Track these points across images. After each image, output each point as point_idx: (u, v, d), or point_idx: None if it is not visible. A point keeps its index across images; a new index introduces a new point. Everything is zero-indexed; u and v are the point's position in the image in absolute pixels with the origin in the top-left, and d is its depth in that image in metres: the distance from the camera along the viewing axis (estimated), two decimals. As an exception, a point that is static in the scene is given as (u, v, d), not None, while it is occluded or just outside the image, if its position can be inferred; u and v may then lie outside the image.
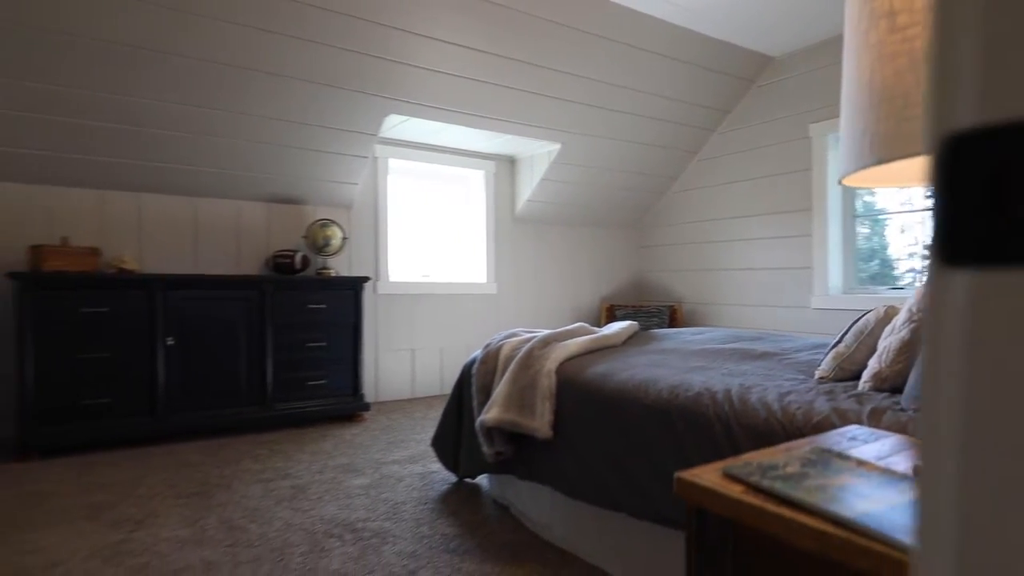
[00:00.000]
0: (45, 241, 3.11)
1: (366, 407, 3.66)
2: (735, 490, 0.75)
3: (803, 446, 0.92)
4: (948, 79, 0.25)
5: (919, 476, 0.27)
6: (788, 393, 1.42)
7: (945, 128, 0.24)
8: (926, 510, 0.25)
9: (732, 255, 4.65)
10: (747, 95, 4.53)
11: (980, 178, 0.24)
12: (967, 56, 0.24)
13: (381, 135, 3.99)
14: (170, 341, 3.10)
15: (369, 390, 4.10)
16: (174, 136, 3.21)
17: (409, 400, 4.27)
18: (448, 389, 4.48)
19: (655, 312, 4.80)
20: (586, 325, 2.47)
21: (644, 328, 3.97)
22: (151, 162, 3.29)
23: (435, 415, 3.74)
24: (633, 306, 4.94)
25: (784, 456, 0.86)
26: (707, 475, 0.81)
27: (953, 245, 0.24)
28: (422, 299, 4.40)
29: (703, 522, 0.79)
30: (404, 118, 3.78)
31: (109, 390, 2.96)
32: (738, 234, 4.61)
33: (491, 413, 1.99)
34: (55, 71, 2.75)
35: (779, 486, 0.74)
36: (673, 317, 4.77)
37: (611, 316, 4.95)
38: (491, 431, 2.02)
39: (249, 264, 3.74)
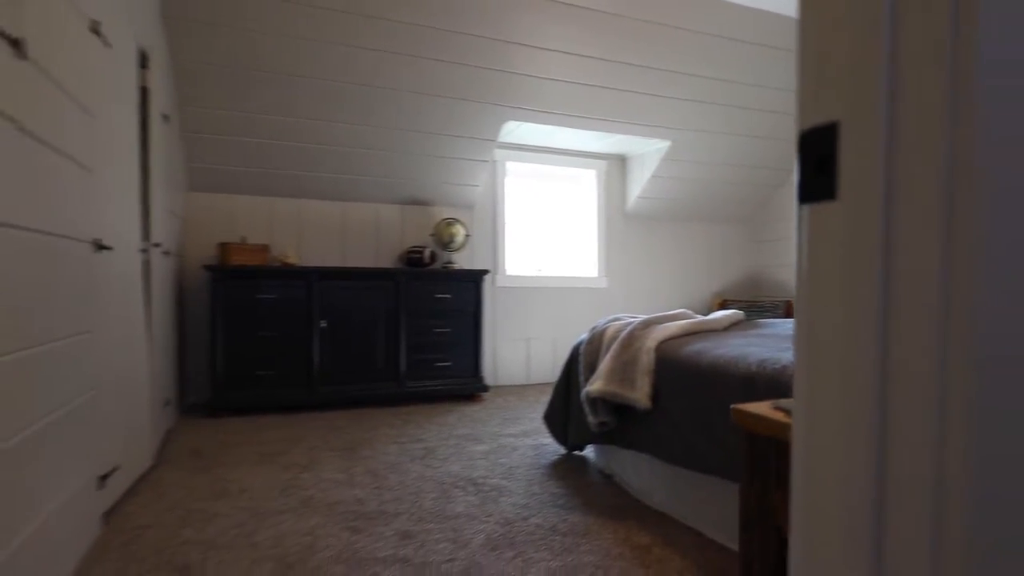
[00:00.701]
0: (229, 239, 3.78)
1: (485, 388, 4.02)
2: (779, 416, 0.93)
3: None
4: (801, 96, 0.45)
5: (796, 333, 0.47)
6: (873, 366, 1.50)
7: (800, 126, 0.45)
8: (798, 347, 0.46)
9: (855, 248, 4.46)
10: (872, 81, 4.34)
11: (814, 156, 0.44)
12: (808, 82, 0.44)
13: (500, 140, 4.33)
14: (323, 324, 3.63)
15: (488, 374, 4.45)
16: (327, 150, 3.76)
17: (523, 386, 4.57)
18: (560, 377, 4.72)
19: (769, 307, 4.73)
20: (688, 311, 2.61)
21: (756, 321, 3.96)
22: (309, 172, 3.87)
23: (547, 399, 3.98)
24: (746, 301, 4.90)
25: (832, 398, 1.02)
26: (758, 408, 0.99)
27: (804, 192, 0.45)
28: (536, 292, 4.69)
29: (754, 443, 0.97)
30: (520, 123, 4.09)
31: (275, 364, 3.54)
32: (862, 226, 4.41)
33: (595, 385, 2.21)
34: (241, 100, 3.36)
35: (815, 412, 0.90)
36: (788, 312, 4.67)
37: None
38: (595, 401, 2.24)
39: (386, 258, 4.24)
